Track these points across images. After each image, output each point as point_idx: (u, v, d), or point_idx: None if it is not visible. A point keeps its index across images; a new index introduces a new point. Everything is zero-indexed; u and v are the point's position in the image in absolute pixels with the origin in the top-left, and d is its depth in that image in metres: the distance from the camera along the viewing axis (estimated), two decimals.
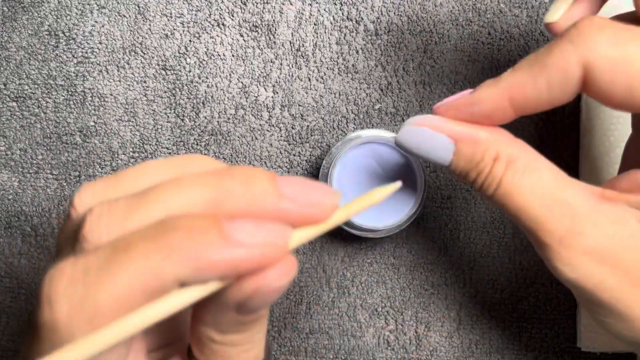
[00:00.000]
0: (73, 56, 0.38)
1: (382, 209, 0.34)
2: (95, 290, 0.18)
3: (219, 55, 0.38)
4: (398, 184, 0.23)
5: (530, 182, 0.25)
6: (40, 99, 0.38)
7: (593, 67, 0.23)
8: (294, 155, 0.38)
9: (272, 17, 0.38)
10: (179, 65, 0.38)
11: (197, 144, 0.38)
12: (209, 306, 0.20)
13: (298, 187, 0.21)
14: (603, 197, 0.25)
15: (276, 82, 0.38)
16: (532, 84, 0.24)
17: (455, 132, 0.26)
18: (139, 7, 0.38)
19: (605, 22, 0.24)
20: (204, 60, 0.38)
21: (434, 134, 0.27)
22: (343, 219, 0.21)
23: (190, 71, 0.38)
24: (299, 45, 0.38)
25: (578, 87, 0.24)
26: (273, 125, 0.38)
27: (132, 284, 0.18)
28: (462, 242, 0.38)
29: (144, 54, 0.38)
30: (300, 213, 0.20)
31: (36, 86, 0.38)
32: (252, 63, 0.38)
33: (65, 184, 0.38)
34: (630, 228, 0.24)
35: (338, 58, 0.38)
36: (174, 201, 0.20)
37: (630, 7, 0.35)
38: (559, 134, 0.38)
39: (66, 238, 0.22)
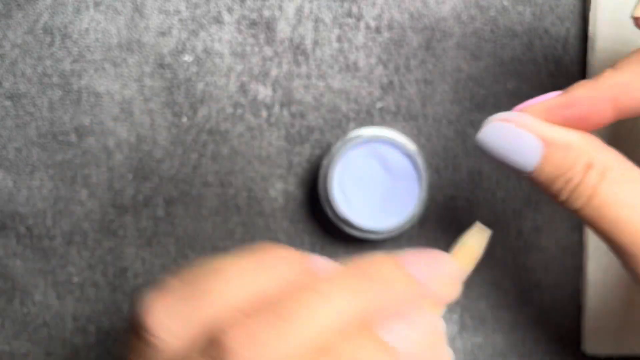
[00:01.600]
0: (68, 54, 0.38)
1: (384, 209, 0.34)
2: None
3: (217, 53, 0.38)
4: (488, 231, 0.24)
5: (630, 194, 0.23)
6: (35, 98, 0.38)
7: None
8: (294, 154, 0.38)
9: (271, 13, 0.37)
10: (176, 62, 0.38)
11: (195, 143, 0.38)
12: None
13: (425, 267, 0.21)
14: None
15: (275, 80, 0.38)
16: None
17: (547, 134, 0.24)
18: (135, 3, 0.38)
19: None
20: (202, 57, 0.38)
21: (522, 133, 0.24)
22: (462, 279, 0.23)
23: (187, 69, 0.38)
24: (299, 43, 0.37)
25: None
26: (272, 124, 0.38)
27: None
28: None
29: (141, 51, 0.38)
30: (436, 296, 0.21)
31: (31, 84, 0.38)
32: (250, 61, 0.38)
33: (60, 184, 0.38)
34: None
35: (338, 56, 0.38)
36: (324, 318, 0.18)
37: None
38: None
39: None
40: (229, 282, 0.20)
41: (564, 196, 0.24)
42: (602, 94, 0.24)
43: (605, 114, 0.24)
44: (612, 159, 0.24)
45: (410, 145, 0.34)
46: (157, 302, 0.19)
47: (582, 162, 0.24)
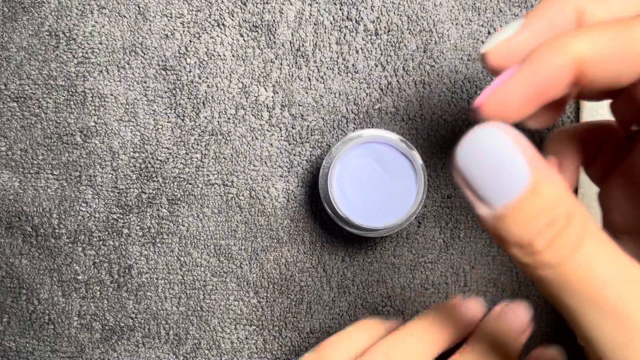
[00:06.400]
0: (73, 56, 0.38)
1: (383, 208, 0.34)
2: None
3: (219, 56, 0.38)
4: None
5: (610, 261, 0.18)
6: (40, 100, 0.38)
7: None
8: (294, 155, 0.38)
9: (272, 17, 0.38)
10: (179, 65, 0.38)
11: (198, 144, 0.38)
12: None
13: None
14: None
15: (276, 82, 0.38)
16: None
17: (538, 161, 0.18)
18: (139, 7, 0.38)
19: None
20: (204, 60, 0.38)
21: (513, 154, 0.18)
22: None
23: (190, 71, 0.38)
24: (299, 45, 0.38)
25: None
26: (273, 125, 0.38)
27: None
28: (463, 241, 0.38)
29: (144, 54, 0.38)
30: None
31: (37, 86, 0.38)
32: (252, 63, 0.38)
33: (65, 184, 0.38)
34: None
35: (338, 58, 0.38)
36: None
37: None
38: None
39: None
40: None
41: (541, 244, 0.18)
42: (563, 59, 0.20)
43: (565, 82, 0.20)
44: (585, 211, 0.19)
45: (408, 146, 0.34)
46: None
47: (566, 205, 0.18)
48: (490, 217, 0.19)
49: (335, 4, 0.38)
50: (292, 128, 0.38)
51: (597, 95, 0.24)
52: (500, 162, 0.18)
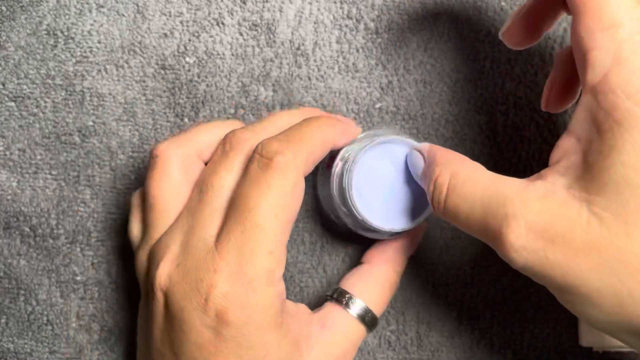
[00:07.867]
0: (72, 55, 0.38)
1: (392, 209, 0.33)
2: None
3: (219, 54, 0.38)
4: None
5: (471, 187, 0.27)
6: (38, 99, 0.38)
7: None
8: None
9: (271, 15, 0.38)
10: (178, 64, 0.38)
11: None
12: None
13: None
14: (535, 178, 0.26)
15: (276, 81, 0.38)
16: None
17: (426, 150, 0.31)
18: (137, 6, 0.38)
19: None
20: (203, 59, 0.38)
21: (416, 154, 0.32)
22: None
23: (189, 70, 0.38)
24: (299, 44, 0.38)
25: None
26: None
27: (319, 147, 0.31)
28: (464, 241, 0.38)
29: (143, 53, 0.38)
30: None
31: (35, 86, 0.38)
32: (251, 62, 0.38)
33: (64, 184, 0.38)
34: (558, 198, 0.24)
35: (338, 57, 0.38)
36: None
37: None
38: (560, 132, 0.38)
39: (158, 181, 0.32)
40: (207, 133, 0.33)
41: (431, 196, 0.29)
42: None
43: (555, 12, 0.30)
44: (459, 165, 0.28)
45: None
46: (165, 142, 0.33)
47: (436, 171, 0.29)
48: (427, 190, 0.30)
49: (336, 3, 0.38)
50: None
51: None
52: (416, 162, 0.32)
